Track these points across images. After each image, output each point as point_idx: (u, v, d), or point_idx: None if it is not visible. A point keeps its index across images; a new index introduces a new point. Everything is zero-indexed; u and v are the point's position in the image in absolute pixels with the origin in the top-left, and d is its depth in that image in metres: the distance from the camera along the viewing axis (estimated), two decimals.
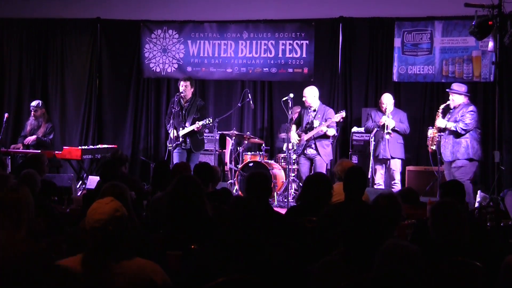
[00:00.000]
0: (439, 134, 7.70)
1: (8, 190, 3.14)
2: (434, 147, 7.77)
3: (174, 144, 8.18)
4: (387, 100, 8.22)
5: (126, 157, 6.83)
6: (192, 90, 8.38)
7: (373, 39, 9.54)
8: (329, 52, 9.73)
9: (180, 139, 8.21)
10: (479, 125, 7.75)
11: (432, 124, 7.89)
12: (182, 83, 8.32)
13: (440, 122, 7.62)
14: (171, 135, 8.23)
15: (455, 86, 7.82)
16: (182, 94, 8.26)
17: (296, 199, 6.00)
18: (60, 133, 10.28)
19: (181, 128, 8.20)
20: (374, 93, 9.55)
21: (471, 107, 7.58)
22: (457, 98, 7.65)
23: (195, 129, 8.18)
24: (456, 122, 7.48)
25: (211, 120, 8.25)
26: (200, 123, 8.12)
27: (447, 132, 7.62)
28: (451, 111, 7.68)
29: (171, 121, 8.22)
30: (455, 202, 3.58)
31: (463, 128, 7.43)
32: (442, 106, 7.72)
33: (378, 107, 8.42)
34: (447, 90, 7.88)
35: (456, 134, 7.49)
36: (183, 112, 8.29)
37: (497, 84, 7.37)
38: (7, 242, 2.94)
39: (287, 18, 9.84)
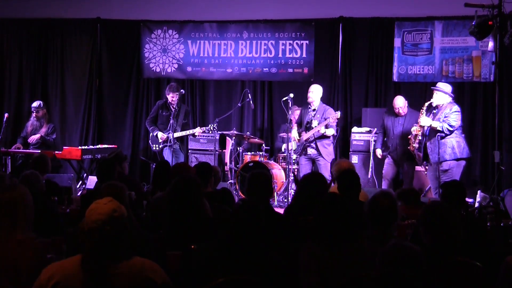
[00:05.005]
0: (422, 136, 7.52)
1: (3, 189, 3.13)
2: (416, 145, 7.65)
3: (162, 145, 8.62)
4: (399, 103, 8.04)
5: (125, 156, 6.81)
6: None
7: (373, 39, 9.53)
8: (329, 52, 9.72)
9: (172, 141, 8.50)
10: (463, 124, 7.64)
11: None
12: (176, 93, 8.60)
13: (425, 120, 7.43)
14: (159, 137, 8.63)
15: (440, 84, 7.70)
16: (174, 103, 8.62)
17: (292, 197, 6.00)
18: (60, 133, 10.27)
19: (171, 131, 8.52)
20: (374, 93, 9.55)
21: (456, 107, 7.43)
22: (440, 97, 7.50)
23: (197, 134, 8.98)
24: (441, 123, 7.32)
25: (216, 126, 8.71)
26: (199, 129, 8.70)
27: (428, 131, 7.45)
28: (434, 111, 7.52)
29: (158, 124, 8.75)
30: (444, 204, 3.49)
31: (449, 129, 7.29)
32: (426, 104, 7.55)
33: (378, 105, 8.38)
34: (431, 87, 7.74)
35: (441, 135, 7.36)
36: (174, 117, 8.57)
37: (497, 84, 7.39)
38: (2, 242, 2.95)
39: (287, 18, 9.84)
